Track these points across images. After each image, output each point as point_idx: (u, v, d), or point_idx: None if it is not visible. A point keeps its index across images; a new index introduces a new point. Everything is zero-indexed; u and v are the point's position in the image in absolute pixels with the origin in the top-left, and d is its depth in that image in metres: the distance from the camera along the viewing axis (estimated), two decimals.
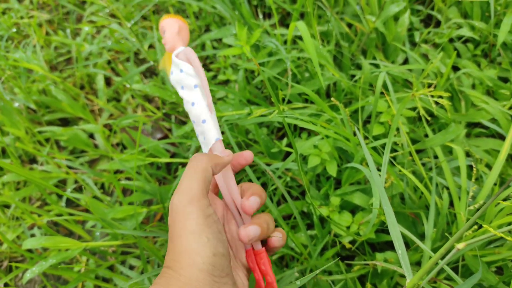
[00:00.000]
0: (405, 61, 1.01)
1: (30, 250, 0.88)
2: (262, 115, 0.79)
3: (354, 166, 0.68)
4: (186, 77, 0.50)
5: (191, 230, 0.37)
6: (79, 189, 0.99)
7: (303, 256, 0.73)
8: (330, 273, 0.75)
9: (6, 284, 0.90)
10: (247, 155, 0.52)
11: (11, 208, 0.93)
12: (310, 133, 0.94)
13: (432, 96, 0.81)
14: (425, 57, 1.00)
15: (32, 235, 0.89)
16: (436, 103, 0.86)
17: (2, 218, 0.92)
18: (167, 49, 0.52)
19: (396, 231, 0.45)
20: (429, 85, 0.86)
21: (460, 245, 0.42)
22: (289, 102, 0.92)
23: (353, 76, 0.98)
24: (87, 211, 0.93)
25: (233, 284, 0.40)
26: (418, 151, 0.82)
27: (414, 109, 0.84)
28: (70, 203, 0.98)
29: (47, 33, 1.32)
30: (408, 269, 0.42)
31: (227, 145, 0.94)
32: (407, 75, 0.91)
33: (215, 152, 0.50)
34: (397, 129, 0.80)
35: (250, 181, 0.95)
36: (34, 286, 0.89)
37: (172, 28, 0.51)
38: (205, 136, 0.50)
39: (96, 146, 1.04)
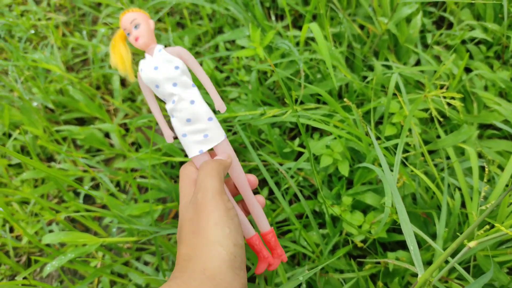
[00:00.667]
0: (417, 63, 1.01)
1: (48, 245, 0.91)
2: (275, 116, 0.81)
3: (366, 166, 0.69)
4: (181, 75, 0.50)
5: (215, 222, 0.39)
6: (95, 187, 1.02)
7: (315, 254, 0.74)
8: (341, 272, 0.76)
9: (25, 278, 0.92)
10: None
11: (30, 204, 0.95)
12: (322, 134, 0.95)
13: (445, 97, 0.81)
14: (437, 58, 1.01)
15: (51, 231, 0.91)
16: (449, 104, 0.86)
17: (21, 214, 0.94)
18: (139, 44, 0.49)
19: (408, 228, 0.46)
20: (441, 87, 0.86)
21: (471, 244, 0.42)
22: (301, 103, 0.93)
23: (365, 77, 0.99)
24: (103, 208, 0.96)
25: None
26: (430, 152, 0.83)
27: (426, 110, 0.85)
28: (86, 201, 1.00)
29: (64, 35, 1.35)
30: (420, 265, 0.43)
31: (240, 145, 0.96)
32: (419, 76, 0.91)
33: (221, 149, 0.52)
34: (409, 130, 0.80)
35: (264, 179, 0.96)
36: (52, 281, 0.92)
37: (147, 23, 0.50)
38: (209, 133, 0.51)
39: (111, 145, 1.06)
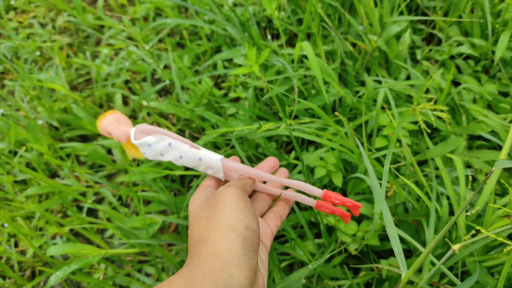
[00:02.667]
0: (408, 78, 1.05)
1: (52, 258, 0.93)
2: (270, 129, 0.84)
3: (358, 176, 0.72)
4: (156, 146, 0.55)
5: (231, 207, 0.43)
6: (98, 202, 1.05)
7: (311, 263, 0.76)
8: (336, 279, 0.78)
9: None
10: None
11: (34, 219, 0.98)
12: (317, 147, 0.99)
13: (434, 110, 0.85)
14: (426, 73, 1.05)
15: (55, 244, 0.94)
16: (438, 117, 0.90)
17: (26, 229, 0.97)
18: (123, 142, 0.56)
19: (392, 230, 0.48)
20: (430, 100, 0.90)
21: (455, 246, 0.45)
22: (296, 117, 0.97)
23: (357, 92, 1.03)
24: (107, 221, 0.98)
25: (259, 261, 0.44)
26: (420, 163, 0.86)
27: (416, 122, 0.88)
28: (89, 214, 1.03)
29: (68, 56, 1.40)
30: (404, 264, 0.45)
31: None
32: (409, 91, 0.95)
33: (230, 167, 0.55)
34: (399, 142, 0.83)
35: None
36: None
37: (112, 124, 0.56)
38: (211, 165, 0.55)
39: (114, 161, 1.10)
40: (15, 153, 1.14)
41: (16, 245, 0.99)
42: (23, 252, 0.98)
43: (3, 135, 1.15)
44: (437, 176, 0.78)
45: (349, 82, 1.03)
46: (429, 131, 0.74)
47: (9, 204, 0.95)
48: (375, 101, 0.97)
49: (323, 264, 0.75)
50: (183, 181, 1.03)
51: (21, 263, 0.98)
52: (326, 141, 0.77)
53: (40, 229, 0.99)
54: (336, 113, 0.76)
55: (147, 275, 0.89)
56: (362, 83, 1.05)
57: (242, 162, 0.97)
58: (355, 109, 1.00)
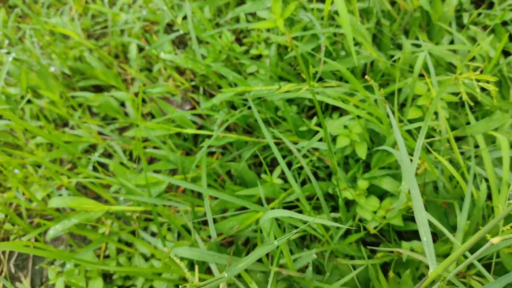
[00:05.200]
0: (451, 44, 0.94)
1: (58, 210, 0.91)
2: (290, 91, 0.77)
3: (385, 149, 0.65)
4: None
5: None
6: (108, 156, 1.01)
7: (324, 238, 0.70)
8: (351, 258, 0.72)
9: (36, 240, 0.93)
10: None
11: (42, 168, 0.96)
12: (342, 114, 0.91)
13: (478, 81, 0.75)
14: (473, 40, 0.93)
15: (60, 195, 0.91)
16: (482, 89, 0.80)
17: (34, 177, 0.95)
18: None
19: (422, 217, 0.42)
20: (476, 69, 0.80)
21: (494, 240, 0.38)
22: (321, 79, 0.89)
23: (392, 56, 0.93)
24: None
25: None
26: (457, 139, 0.77)
27: (456, 94, 0.78)
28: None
29: (86, 1, 1.33)
30: (432, 258, 0.39)
31: (256, 121, 0.92)
32: (451, 57, 0.84)
33: None
34: (436, 114, 0.75)
35: (274, 159, 0.93)
36: (60, 244, 0.92)
37: None
38: None
39: (126, 114, 1.05)
40: (29, 101, 1.10)
41: (24, 192, 0.98)
42: (31, 200, 0.97)
43: (15, 80, 1.11)
44: (476, 156, 0.69)
45: (383, 45, 0.93)
46: (472, 104, 0.65)
47: (19, 152, 0.93)
48: (411, 67, 0.87)
49: (337, 240, 0.70)
50: (196, 140, 0.98)
51: (30, 211, 0.97)
52: (352, 107, 0.69)
53: (48, 179, 0.97)
54: (366, 77, 0.67)
55: (153, 234, 0.86)
56: (398, 47, 0.94)
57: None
58: (387, 74, 0.90)
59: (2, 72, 0.99)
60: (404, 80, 0.82)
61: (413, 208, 0.41)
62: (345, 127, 0.75)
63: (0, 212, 0.93)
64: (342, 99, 0.71)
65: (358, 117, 0.72)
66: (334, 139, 0.82)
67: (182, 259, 0.64)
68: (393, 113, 0.74)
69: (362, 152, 0.72)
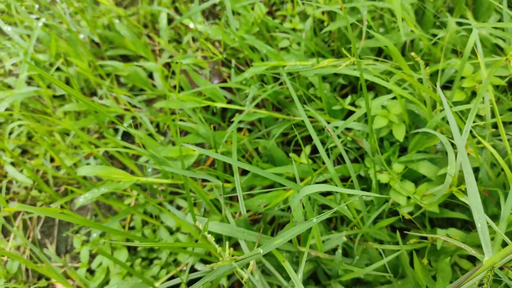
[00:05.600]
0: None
1: (85, 179, 0.92)
2: (325, 67, 0.73)
3: (427, 131, 0.61)
4: None
5: None
6: (135, 127, 1.00)
7: (355, 220, 0.68)
8: (381, 242, 0.70)
9: (62, 207, 0.94)
10: None
11: (70, 136, 0.96)
12: (378, 94, 0.87)
13: None
14: None
15: (88, 164, 0.91)
16: None
17: (62, 145, 0.95)
18: None
19: (477, 202, 0.39)
20: None
21: None
22: (358, 57, 0.85)
23: (434, 35, 0.88)
24: (142, 147, 0.95)
25: None
26: (503, 124, 0.73)
27: (503, 77, 0.74)
28: (125, 139, 1.00)
29: None
30: (488, 246, 0.36)
31: (286, 98, 0.89)
32: (497, 39, 0.79)
33: None
34: (482, 98, 0.70)
35: (308, 136, 0.90)
36: (86, 213, 0.93)
37: None
38: None
39: (154, 86, 1.04)
40: (57, 68, 1.10)
41: (52, 159, 0.98)
42: (58, 168, 0.98)
43: (44, 46, 1.10)
44: None
45: (426, 22, 0.88)
46: None
47: (47, 119, 0.93)
48: (455, 47, 0.82)
49: (369, 224, 0.68)
50: (224, 115, 0.96)
51: (56, 179, 0.97)
52: (395, 86, 0.65)
53: (76, 147, 0.97)
54: (412, 54, 0.63)
55: (178, 208, 0.85)
56: (442, 25, 0.89)
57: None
58: (428, 54, 0.85)
59: (32, 38, 0.98)
60: (446, 61, 0.77)
61: (468, 195, 0.38)
62: (383, 107, 0.71)
63: (28, 178, 0.94)
64: (384, 77, 0.68)
65: (400, 97, 0.69)
66: (366, 120, 0.79)
67: (211, 233, 0.63)
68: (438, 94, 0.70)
69: (400, 134, 0.69)
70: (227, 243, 0.51)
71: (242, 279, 0.52)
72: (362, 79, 0.51)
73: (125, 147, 0.83)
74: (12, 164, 0.98)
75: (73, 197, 0.80)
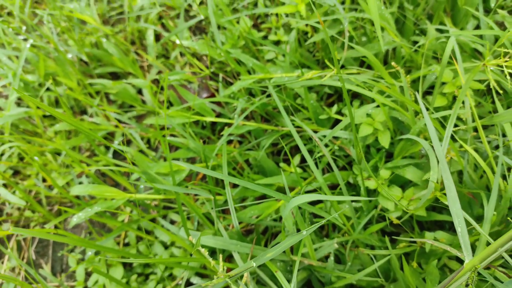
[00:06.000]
0: (476, 30, 0.91)
1: (78, 198, 0.92)
2: (311, 79, 0.75)
3: (410, 138, 0.63)
4: None
5: None
6: (126, 143, 1.01)
7: (346, 227, 0.70)
8: (372, 248, 0.72)
9: (56, 227, 0.95)
10: None
11: (61, 155, 0.96)
12: (363, 102, 0.89)
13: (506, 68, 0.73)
14: (500, 25, 0.90)
15: (80, 183, 0.92)
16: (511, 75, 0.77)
17: (54, 164, 0.96)
18: None
19: (456, 207, 0.41)
20: (506, 54, 0.77)
21: None
22: (342, 67, 0.87)
23: (415, 42, 0.90)
24: (133, 164, 0.95)
25: None
26: (483, 128, 0.75)
27: (482, 82, 0.76)
28: (117, 156, 1.00)
29: None
30: (468, 249, 0.38)
31: (274, 109, 0.91)
32: (476, 44, 0.82)
33: None
34: (462, 102, 0.73)
35: (296, 146, 0.92)
36: (81, 232, 0.93)
37: None
38: None
39: (143, 102, 1.05)
40: (47, 88, 1.11)
41: (44, 179, 0.99)
42: (51, 187, 0.98)
43: (33, 67, 1.11)
44: (497, 146, 0.68)
45: (406, 30, 0.90)
46: (501, 91, 0.63)
47: (38, 140, 0.93)
48: (435, 53, 0.85)
49: (359, 230, 0.69)
50: (213, 128, 0.97)
51: (49, 198, 0.98)
52: (377, 95, 0.67)
53: (67, 166, 0.98)
54: (393, 63, 0.65)
55: (172, 222, 0.86)
56: (422, 32, 0.92)
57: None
58: (410, 61, 0.88)
59: (20, 59, 0.99)
60: (427, 67, 0.80)
61: (447, 200, 0.40)
62: (368, 115, 0.73)
63: (20, 200, 0.94)
64: (366, 86, 0.70)
65: (383, 105, 0.71)
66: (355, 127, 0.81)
67: (204, 247, 0.64)
68: (416, 101, 0.72)
69: (385, 141, 0.70)
70: (220, 256, 0.52)
71: None
72: (344, 90, 0.53)
73: (116, 165, 0.84)
74: (4, 185, 0.98)
75: (67, 216, 0.80)
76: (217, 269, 0.59)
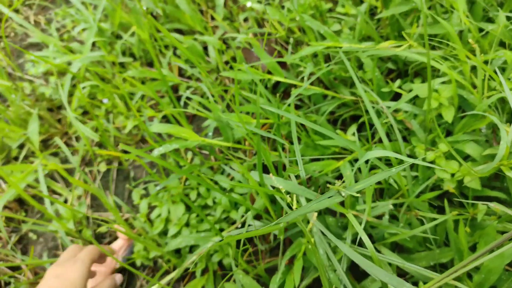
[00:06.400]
0: None
1: (142, 142, 0.99)
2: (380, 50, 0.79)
3: (477, 113, 0.67)
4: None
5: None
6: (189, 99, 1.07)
7: (401, 192, 0.74)
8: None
9: (120, 163, 1.02)
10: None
11: (133, 100, 1.03)
12: (425, 80, 0.92)
13: None
14: None
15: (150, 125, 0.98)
16: None
17: (120, 107, 1.02)
18: None
19: None
20: None
21: None
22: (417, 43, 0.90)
23: (481, 30, 0.92)
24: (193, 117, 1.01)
25: None
26: None
27: None
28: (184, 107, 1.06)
29: None
30: None
31: (335, 79, 0.95)
32: None
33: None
34: None
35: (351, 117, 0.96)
36: (142, 173, 1.01)
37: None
38: None
39: (207, 61, 1.10)
40: (117, 36, 1.17)
41: (111, 121, 1.06)
42: (118, 129, 1.05)
43: (106, 16, 1.17)
44: None
45: (475, 15, 0.92)
46: None
47: (107, 84, 1.00)
48: (502, 42, 0.87)
49: (413, 196, 0.74)
50: (274, 90, 1.02)
51: (116, 138, 1.05)
52: (449, 70, 0.71)
53: (137, 110, 1.05)
54: (470, 40, 0.68)
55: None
56: (488, 20, 0.94)
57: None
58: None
59: (99, 6, 1.05)
60: (495, 53, 0.82)
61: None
62: (435, 90, 0.77)
63: (93, 134, 1.01)
64: (439, 61, 0.73)
65: (454, 80, 0.74)
66: (415, 102, 0.84)
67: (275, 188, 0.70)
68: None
69: (449, 116, 0.74)
70: (294, 196, 0.58)
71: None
72: (428, 60, 0.57)
73: (196, 109, 0.90)
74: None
75: (146, 149, 0.86)
76: (286, 207, 0.65)
